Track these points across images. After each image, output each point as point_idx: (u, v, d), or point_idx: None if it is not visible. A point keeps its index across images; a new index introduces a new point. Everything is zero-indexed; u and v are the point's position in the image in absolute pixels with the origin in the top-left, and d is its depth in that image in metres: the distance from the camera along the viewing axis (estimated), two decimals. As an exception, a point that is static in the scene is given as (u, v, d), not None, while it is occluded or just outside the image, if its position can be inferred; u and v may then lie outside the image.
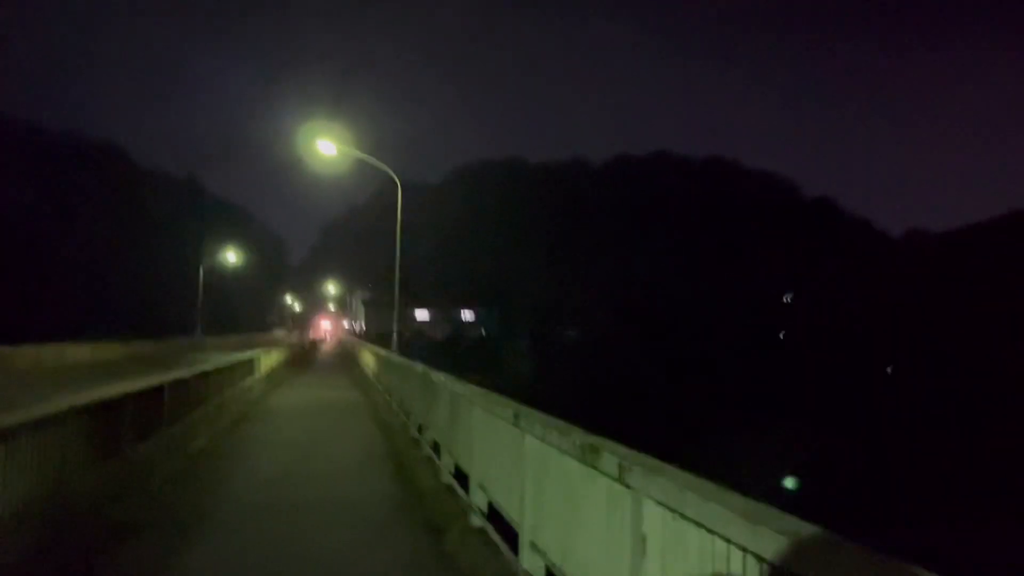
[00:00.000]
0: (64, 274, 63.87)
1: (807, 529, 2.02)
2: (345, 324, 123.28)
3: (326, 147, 20.90)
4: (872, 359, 71.24)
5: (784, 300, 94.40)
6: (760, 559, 2.07)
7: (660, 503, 2.76)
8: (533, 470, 4.56)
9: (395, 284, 21.39)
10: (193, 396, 11.72)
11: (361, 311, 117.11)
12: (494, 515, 6.00)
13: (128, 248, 73.93)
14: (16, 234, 62.42)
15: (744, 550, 2.16)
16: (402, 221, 22.62)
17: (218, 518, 6.91)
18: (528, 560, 4.51)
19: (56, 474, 5.93)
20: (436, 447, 9.45)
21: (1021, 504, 23.18)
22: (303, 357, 42.35)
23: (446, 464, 8.29)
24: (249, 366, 19.75)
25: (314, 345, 66.68)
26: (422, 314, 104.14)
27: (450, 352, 76.18)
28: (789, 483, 29.22)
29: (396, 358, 16.47)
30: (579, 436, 3.82)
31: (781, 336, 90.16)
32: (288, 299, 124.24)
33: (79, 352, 28.23)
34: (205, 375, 13.03)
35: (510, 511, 5.17)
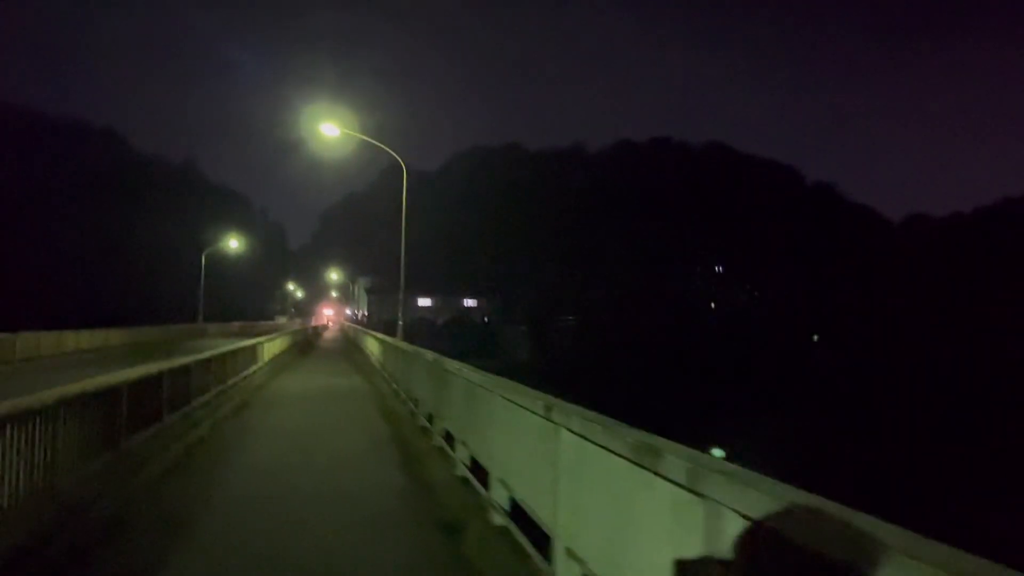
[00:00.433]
0: (64, 261, 63.38)
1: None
2: (347, 311, 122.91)
3: (329, 129, 20.37)
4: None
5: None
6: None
7: (746, 517, 2.30)
8: (569, 469, 4.10)
9: (401, 269, 20.90)
10: (194, 384, 11.30)
11: (363, 298, 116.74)
12: (517, 513, 5.56)
13: (128, 234, 73.40)
14: (14, 222, 61.92)
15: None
16: (400, 207, 22.10)
17: (215, 513, 6.47)
18: (564, 568, 4.07)
19: (45, 469, 5.49)
20: (448, 437, 9.02)
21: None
22: (306, 344, 41.95)
23: (460, 456, 7.86)
24: (252, 353, 19.33)
25: (317, 332, 66.29)
26: (424, 301, 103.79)
27: (450, 337, 76.02)
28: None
29: (403, 345, 16.02)
30: (630, 434, 3.36)
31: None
32: (290, 286, 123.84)
33: (79, 339, 27.78)
34: (207, 362, 12.61)
35: (539, 512, 4.71)
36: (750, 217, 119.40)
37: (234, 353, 15.83)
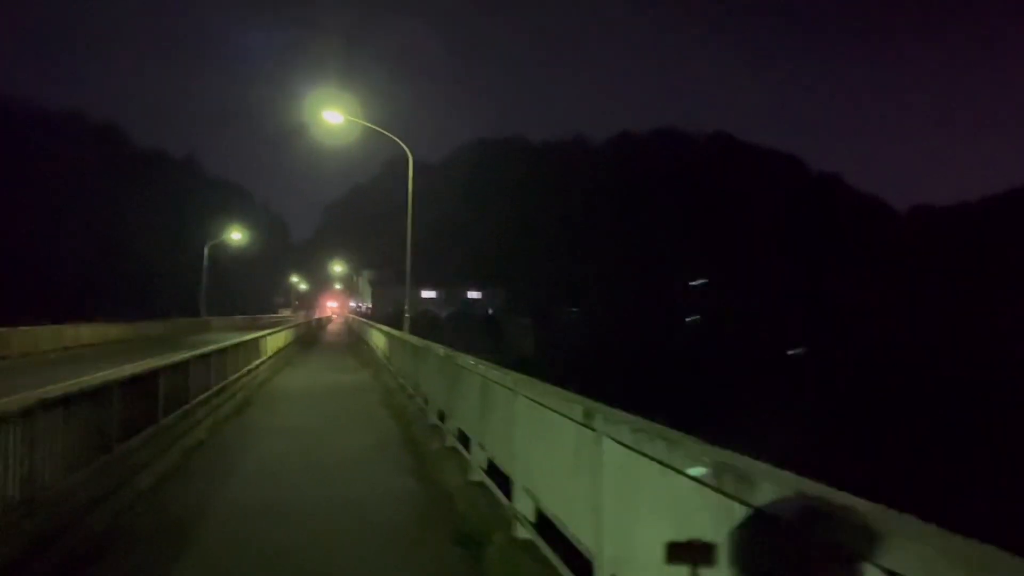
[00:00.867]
0: (65, 255, 62.95)
1: None
2: (351, 304, 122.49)
3: (332, 116, 19.78)
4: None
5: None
6: None
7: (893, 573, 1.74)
8: (617, 487, 3.55)
9: (407, 259, 20.33)
10: (193, 381, 10.77)
11: (367, 291, 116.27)
12: (545, 525, 5.02)
13: (130, 228, 72.93)
14: (15, 216, 61.50)
15: None
16: (405, 199, 21.52)
17: (214, 526, 5.94)
18: (610, 600, 3.53)
19: (22, 482, 4.96)
20: (462, 437, 8.49)
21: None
22: (310, 337, 41.46)
23: (477, 459, 7.31)
24: (255, 347, 18.83)
25: (321, 325, 65.83)
26: (428, 293, 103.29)
27: (454, 329, 75.48)
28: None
29: (411, 339, 15.47)
30: (699, 449, 2.81)
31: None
32: (294, 279, 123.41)
33: (79, 334, 27.28)
34: (206, 358, 12.08)
35: (577, 532, 4.17)
36: (752, 209, 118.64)
37: (236, 348, 15.31)
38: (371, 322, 39.30)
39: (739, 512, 2.42)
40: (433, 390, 11.21)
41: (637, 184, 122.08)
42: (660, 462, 3.03)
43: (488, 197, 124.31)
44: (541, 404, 4.93)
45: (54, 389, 5.66)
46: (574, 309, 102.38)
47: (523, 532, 5.32)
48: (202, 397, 11.59)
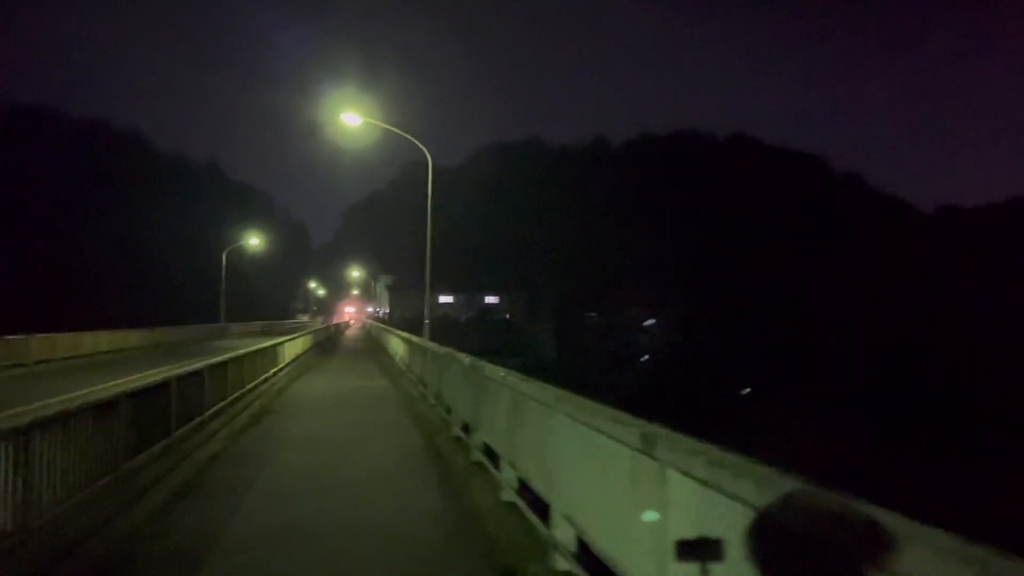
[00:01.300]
0: (86, 262, 63.23)
1: None
2: (369, 309, 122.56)
3: (350, 119, 19.42)
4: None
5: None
6: None
7: None
8: (689, 527, 3.03)
9: (426, 265, 19.90)
10: (209, 391, 10.36)
11: (385, 296, 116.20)
12: (587, 555, 4.52)
13: (150, 234, 73.20)
14: (38, 223, 61.89)
15: None
16: (422, 204, 21.12)
17: (225, 549, 5.48)
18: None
19: (22, 505, 4.54)
20: (490, 452, 7.99)
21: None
22: (328, 343, 41.20)
23: (507, 477, 6.81)
24: (272, 354, 18.47)
25: (339, 330, 65.68)
26: (446, 298, 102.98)
27: (473, 334, 75.04)
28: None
29: (432, 346, 15.01)
30: (802, 492, 2.29)
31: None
32: (312, 284, 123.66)
33: (97, 340, 27.09)
34: (223, 366, 11.69)
35: (634, 571, 3.66)
36: (771, 210, 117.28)
37: (253, 355, 14.94)
38: (389, 327, 38.98)
39: None
40: (457, 400, 10.73)
41: (657, 186, 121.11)
42: (747, 503, 2.52)
43: (505, 201, 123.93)
44: (586, 424, 4.43)
45: (53, 405, 5.24)
46: (593, 314, 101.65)
47: (563, 563, 4.81)
48: (218, 407, 11.19)
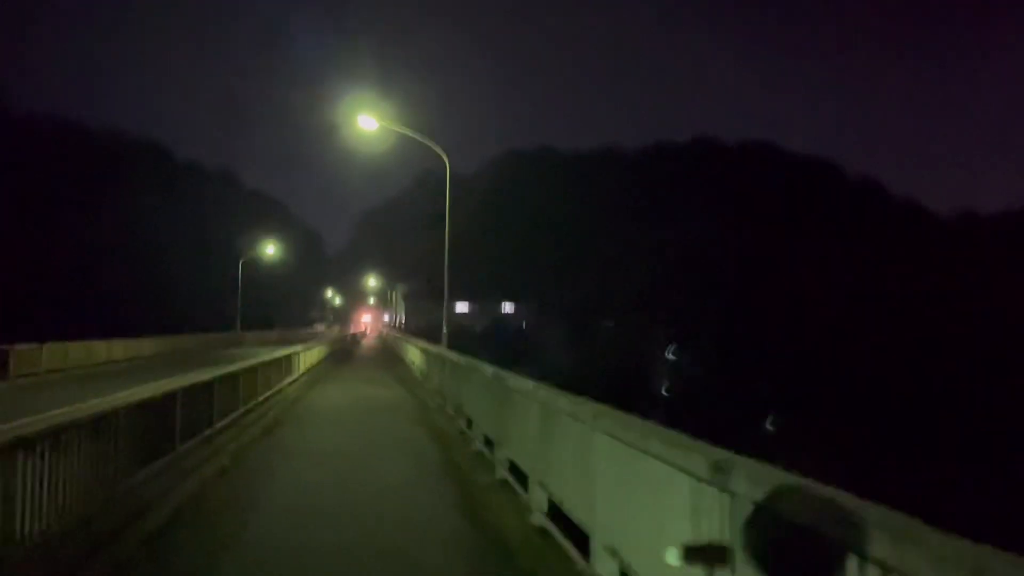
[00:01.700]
0: (105, 270, 63.40)
1: None
2: (385, 318, 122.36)
3: (367, 122, 19.00)
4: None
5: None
6: None
7: None
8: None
9: (444, 271, 19.42)
10: (218, 402, 9.89)
11: (401, 304, 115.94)
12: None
13: (166, 242, 73.38)
14: (54, 232, 62.12)
15: None
16: (437, 212, 20.68)
17: (230, 578, 4.97)
18: None
19: (2, 531, 4.05)
20: (515, 469, 7.46)
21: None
22: (344, 352, 40.84)
23: (536, 499, 6.26)
24: (287, 363, 18.04)
25: (355, 339, 65.41)
26: (461, 306, 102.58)
27: (489, 343, 74.46)
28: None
29: (451, 355, 14.49)
30: (952, 548, 1.75)
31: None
32: (328, 293, 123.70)
33: (111, 349, 26.84)
34: (233, 377, 11.22)
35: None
36: (791, 214, 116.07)
37: (266, 365, 14.49)
38: (406, 336, 38.53)
39: None
40: (478, 413, 10.20)
41: (672, 193, 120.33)
42: (878, 562, 1.96)
43: (521, 208, 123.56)
44: (633, 446, 3.88)
45: (42, 419, 4.75)
46: (610, 323, 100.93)
47: (606, 602, 4.26)
48: (228, 419, 10.73)
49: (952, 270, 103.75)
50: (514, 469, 7.55)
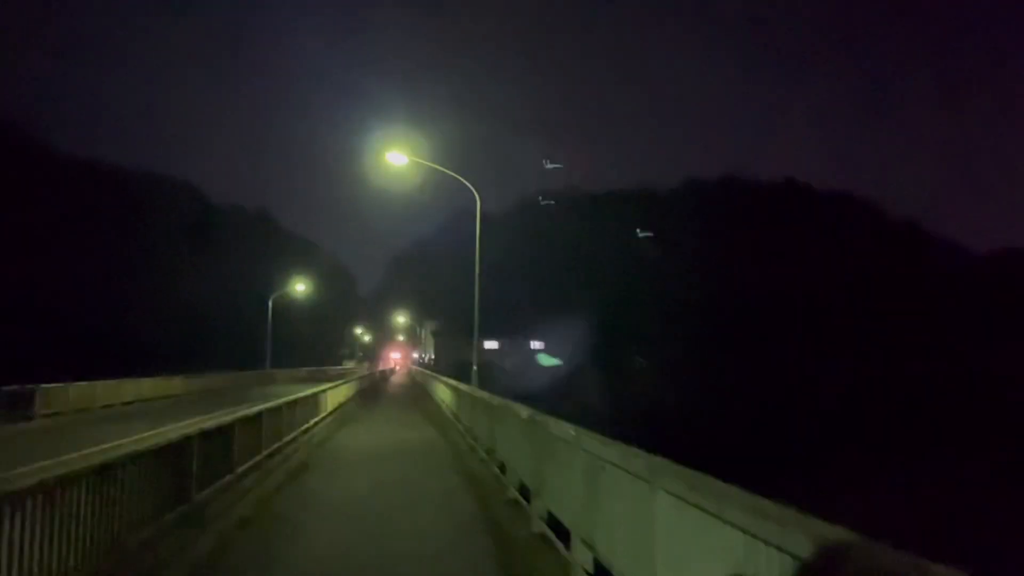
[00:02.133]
0: (138, 310, 64.11)
1: None
2: (415, 355, 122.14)
3: (396, 158, 18.78)
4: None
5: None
6: None
7: None
8: None
9: (475, 307, 18.93)
10: (239, 446, 9.41)
11: (430, 342, 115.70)
12: None
13: (201, 282, 74.19)
14: (90, 274, 63.10)
15: None
16: (468, 251, 20.29)
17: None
18: None
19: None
20: (554, 521, 6.84)
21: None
22: (373, 390, 40.42)
23: (581, 559, 5.63)
24: (314, 403, 17.58)
25: (384, 376, 65.06)
26: (490, 343, 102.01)
27: (519, 380, 73.53)
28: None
29: (482, 395, 13.92)
30: None
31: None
32: (358, 331, 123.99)
33: (140, 388, 26.66)
34: (256, 418, 10.75)
35: None
36: (822, 258, 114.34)
37: (292, 405, 14.03)
38: (435, 374, 38.02)
39: None
40: (513, 457, 9.59)
41: (705, 232, 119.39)
42: None
43: (551, 246, 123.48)
44: (705, 511, 3.28)
45: (33, 473, 4.28)
46: (641, 360, 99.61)
47: None
48: (251, 462, 10.24)
49: (988, 304, 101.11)
50: (553, 521, 6.94)
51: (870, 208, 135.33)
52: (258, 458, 10.75)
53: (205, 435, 7.69)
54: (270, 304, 54.73)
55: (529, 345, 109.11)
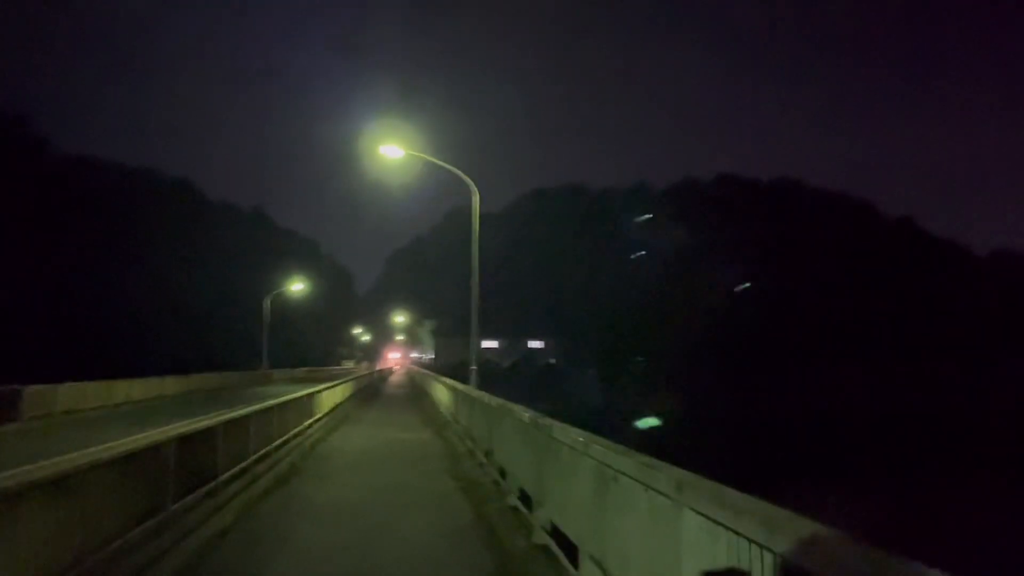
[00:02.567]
0: (133, 309, 63.51)
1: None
2: (414, 354, 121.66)
3: (392, 151, 18.27)
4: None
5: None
6: None
7: None
8: None
9: (472, 306, 18.41)
10: (223, 451, 8.89)
11: (429, 341, 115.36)
12: None
13: (197, 281, 73.60)
14: (85, 271, 62.53)
15: None
16: (466, 249, 19.77)
17: None
18: None
19: None
20: (557, 532, 6.34)
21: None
22: (371, 390, 39.91)
23: (588, 575, 5.12)
24: (308, 404, 17.05)
25: (382, 376, 64.58)
26: (489, 343, 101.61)
27: (515, 380, 73.04)
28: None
29: (481, 396, 13.42)
30: None
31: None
32: (357, 330, 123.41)
33: (131, 389, 26.08)
34: (244, 420, 10.23)
35: None
36: (823, 253, 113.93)
37: (283, 406, 13.51)
38: (434, 374, 37.51)
39: None
40: (513, 462, 9.08)
41: (701, 231, 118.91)
42: None
43: (549, 245, 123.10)
44: (751, 540, 2.77)
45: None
46: (640, 359, 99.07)
47: None
48: (238, 467, 9.73)
49: (987, 305, 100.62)
50: (556, 533, 6.44)
51: (866, 206, 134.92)
52: (247, 462, 10.24)
53: (185, 440, 7.17)
54: (268, 303, 54.19)
55: (527, 344, 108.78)
